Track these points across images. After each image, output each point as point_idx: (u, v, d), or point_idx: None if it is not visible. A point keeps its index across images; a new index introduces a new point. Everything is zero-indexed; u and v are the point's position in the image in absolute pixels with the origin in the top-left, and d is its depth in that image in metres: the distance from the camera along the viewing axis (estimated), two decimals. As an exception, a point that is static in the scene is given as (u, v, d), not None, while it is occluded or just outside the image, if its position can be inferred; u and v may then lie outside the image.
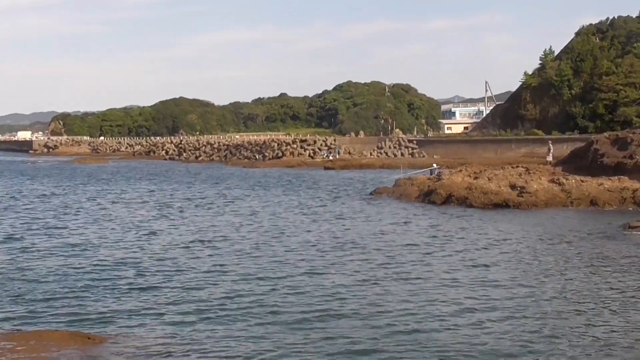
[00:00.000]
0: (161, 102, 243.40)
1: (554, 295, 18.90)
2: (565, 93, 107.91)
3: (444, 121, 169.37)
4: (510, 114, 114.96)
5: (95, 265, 23.76)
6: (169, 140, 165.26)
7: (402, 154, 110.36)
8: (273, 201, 47.41)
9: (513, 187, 42.17)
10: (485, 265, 23.06)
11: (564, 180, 42.40)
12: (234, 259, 24.62)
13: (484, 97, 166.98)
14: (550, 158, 63.48)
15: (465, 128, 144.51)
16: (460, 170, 48.29)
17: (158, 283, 20.89)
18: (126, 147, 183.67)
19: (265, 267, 23.07)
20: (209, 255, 25.50)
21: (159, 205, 45.19)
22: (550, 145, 67.29)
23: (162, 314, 17.36)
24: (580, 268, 22.54)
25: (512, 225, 32.95)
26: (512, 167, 47.02)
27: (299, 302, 18.23)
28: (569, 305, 17.78)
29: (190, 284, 20.59)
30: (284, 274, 21.87)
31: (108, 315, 17.37)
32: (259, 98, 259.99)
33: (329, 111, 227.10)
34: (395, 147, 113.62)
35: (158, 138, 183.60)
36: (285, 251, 26.05)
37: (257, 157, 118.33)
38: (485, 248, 26.54)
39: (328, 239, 28.77)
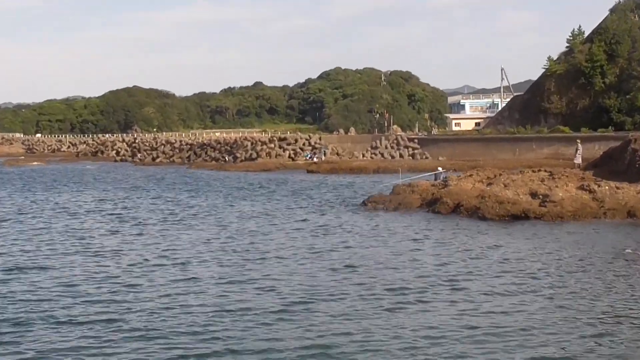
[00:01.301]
0: (111, 93, 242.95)
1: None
2: (597, 82, 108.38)
3: (451, 116, 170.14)
4: (531, 108, 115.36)
5: (30, 292, 23.47)
6: (121, 139, 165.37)
7: (400, 155, 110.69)
8: (243, 213, 47.23)
9: (534, 195, 42.05)
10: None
11: (596, 187, 42.23)
12: (203, 288, 24.09)
13: (500, 87, 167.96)
14: (578, 160, 63.57)
15: (476, 124, 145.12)
16: (471, 175, 48.19)
17: (112, 314, 20.53)
18: (68, 147, 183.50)
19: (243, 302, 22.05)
20: (171, 281, 25.15)
21: (113, 218, 45.15)
22: (579, 145, 67.41)
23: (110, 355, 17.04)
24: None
25: (535, 241, 32.83)
26: (533, 171, 46.90)
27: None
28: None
29: (151, 319, 20.04)
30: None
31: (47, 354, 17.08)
32: (229, 88, 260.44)
33: (314, 104, 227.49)
34: (392, 147, 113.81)
35: (107, 136, 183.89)
36: (261, 287, 24.64)
37: (227, 159, 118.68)
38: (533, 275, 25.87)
39: (317, 269, 27.14)
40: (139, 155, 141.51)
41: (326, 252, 30.75)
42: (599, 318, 19.66)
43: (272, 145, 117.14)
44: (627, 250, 29.90)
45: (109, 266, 27.99)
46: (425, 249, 31.11)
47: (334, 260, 28.63)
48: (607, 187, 42.19)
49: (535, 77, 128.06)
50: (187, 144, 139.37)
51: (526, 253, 29.84)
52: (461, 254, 29.73)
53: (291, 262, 28.26)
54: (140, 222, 42.87)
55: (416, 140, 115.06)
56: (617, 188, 42.19)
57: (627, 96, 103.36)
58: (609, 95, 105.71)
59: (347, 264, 27.63)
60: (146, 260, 29.19)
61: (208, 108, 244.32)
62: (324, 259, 29.01)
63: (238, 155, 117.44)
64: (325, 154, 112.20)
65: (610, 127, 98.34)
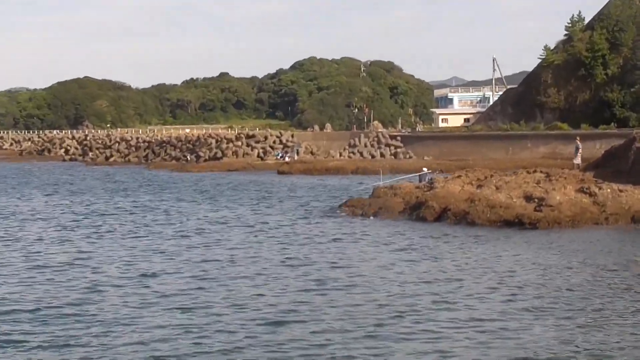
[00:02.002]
0: (59, 84, 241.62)
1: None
2: (598, 74, 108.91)
3: (437, 111, 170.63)
4: (526, 102, 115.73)
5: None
6: (70, 136, 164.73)
7: (381, 155, 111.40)
8: (205, 220, 46.99)
9: (529, 198, 42.17)
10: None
11: (596, 190, 42.39)
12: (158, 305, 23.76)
13: (491, 80, 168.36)
14: (578, 160, 63.82)
15: (465, 120, 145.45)
16: (459, 176, 48.26)
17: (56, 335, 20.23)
18: (11, 144, 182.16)
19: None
20: (125, 296, 24.84)
21: (62, 225, 44.93)
22: (579, 143, 67.70)
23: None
24: None
25: (531, 251, 32.68)
26: (528, 172, 46.99)
27: None
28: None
29: (104, 337, 19.80)
30: None
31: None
32: (192, 79, 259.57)
33: (285, 97, 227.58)
34: (372, 146, 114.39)
35: (55, 132, 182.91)
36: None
37: (189, 158, 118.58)
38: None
39: (284, 285, 26.36)
40: (90, 154, 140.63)
41: (296, 265, 30.32)
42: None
43: (239, 143, 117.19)
44: (636, 259, 29.97)
45: (53, 279, 27.68)
46: (407, 262, 30.73)
47: (304, 275, 28.12)
48: (609, 190, 42.32)
49: (530, 68, 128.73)
50: (144, 141, 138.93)
51: (522, 265, 29.48)
52: (448, 268, 29.36)
53: (257, 277, 27.83)
54: (92, 231, 42.37)
55: (399, 138, 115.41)
56: (620, 191, 42.35)
57: (632, 89, 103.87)
58: (612, 88, 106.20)
59: (318, 278, 27.31)
60: (99, 273, 28.89)
61: (168, 102, 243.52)
62: (293, 273, 28.57)
63: (201, 154, 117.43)
64: (298, 153, 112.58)
65: (612, 124, 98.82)
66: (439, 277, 27.38)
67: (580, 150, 66.27)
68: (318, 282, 26.71)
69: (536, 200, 41.82)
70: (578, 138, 71.83)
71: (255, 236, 39.26)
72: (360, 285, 26.08)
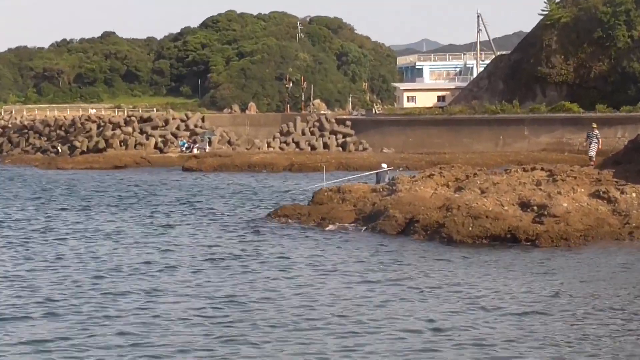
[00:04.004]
0: None
1: None
2: (620, 36, 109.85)
3: (402, 86, 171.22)
4: (522, 74, 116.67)
5: None
6: None
7: (325, 145, 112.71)
8: (82, 236, 46.53)
9: (526, 205, 42.41)
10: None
11: (617, 194, 42.72)
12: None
13: (475, 43, 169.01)
14: (593, 152, 64.07)
15: (440, 99, 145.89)
16: (432, 176, 48.08)
17: None
18: None
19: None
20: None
21: None
22: (597, 131, 67.77)
23: None
24: None
25: (530, 281, 31.99)
26: (525, 170, 47.22)
27: None
28: None
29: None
30: None
31: None
32: (65, 41, 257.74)
33: (194, 66, 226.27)
34: (313, 133, 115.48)
35: None
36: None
37: (60, 150, 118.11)
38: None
39: (187, 333, 25.57)
40: None
41: (198, 297, 30.01)
42: None
43: (130, 130, 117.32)
44: None
45: None
46: (357, 298, 29.95)
47: (212, 317, 27.35)
48: (634, 194, 42.56)
49: (527, 29, 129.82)
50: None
51: (519, 305, 28.48)
52: (415, 307, 28.47)
53: (147, 314, 27.52)
54: None
55: (349, 123, 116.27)
56: (650, 195, 42.76)
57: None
58: (638, 56, 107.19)
59: (233, 320, 26.74)
60: None
61: (31, 72, 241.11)
62: (199, 315, 27.68)
63: (77, 144, 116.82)
64: (210, 143, 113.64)
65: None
66: (401, 318, 26.77)
67: (597, 140, 66.15)
68: (233, 327, 25.97)
69: (535, 208, 41.96)
70: (594, 125, 71.84)
71: (155, 256, 38.90)
72: (292, 325, 25.80)
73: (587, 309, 27.75)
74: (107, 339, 24.69)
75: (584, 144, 68.31)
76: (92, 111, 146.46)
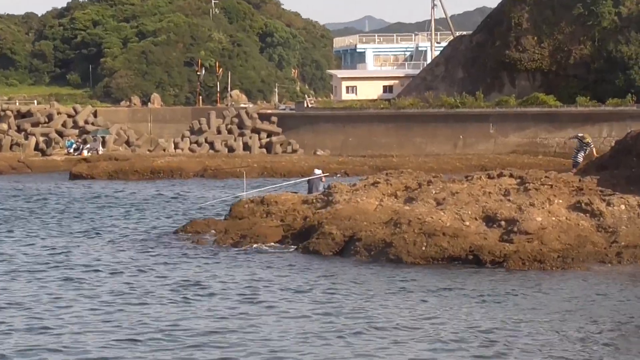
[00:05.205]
0: None
1: None
2: (605, 13, 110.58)
3: (339, 73, 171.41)
4: (486, 59, 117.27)
5: None
6: None
7: (246, 146, 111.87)
8: None
9: (491, 220, 42.67)
10: None
11: (602, 207, 42.74)
12: None
13: (429, 22, 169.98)
14: (580, 159, 64.17)
15: (386, 89, 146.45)
16: (376, 183, 48.77)
17: None
18: None
19: None
20: None
21: None
22: (589, 140, 67.49)
23: None
24: None
25: (498, 316, 31.71)
26: (490, 177, 47.16)
27: None
28: None
29: None
30: None
31: None
32: None
33: (84, 49, 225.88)
34: (231, 132, 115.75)
35: None
36: None
37: None
38: None
39: None
40: None
41: (89, 336, 29.71)
42: None
43: (5, 126, 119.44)
44: None
45: None
46: (285, 341, 29.47)
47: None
48: (622, 207, 42.74)
49: (493, 4, 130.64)
50: None
51: (476, 341, 28.39)
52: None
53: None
54: None
55: (275, 119, 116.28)
56: (641, 207, 42.01)
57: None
58: (627, 37, 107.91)
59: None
60: None
61: None
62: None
63: None
64: (104, 144, 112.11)
65: (630, 96, 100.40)
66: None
67: (591, 149, 65.39)
68: None
69: (503, 223, 42.48)
70: (586, 137, 70.14)
71: (33, 285, 39.07)
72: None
73: (588, 346, 28.51)
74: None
75: (564, 145, 67.99)
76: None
